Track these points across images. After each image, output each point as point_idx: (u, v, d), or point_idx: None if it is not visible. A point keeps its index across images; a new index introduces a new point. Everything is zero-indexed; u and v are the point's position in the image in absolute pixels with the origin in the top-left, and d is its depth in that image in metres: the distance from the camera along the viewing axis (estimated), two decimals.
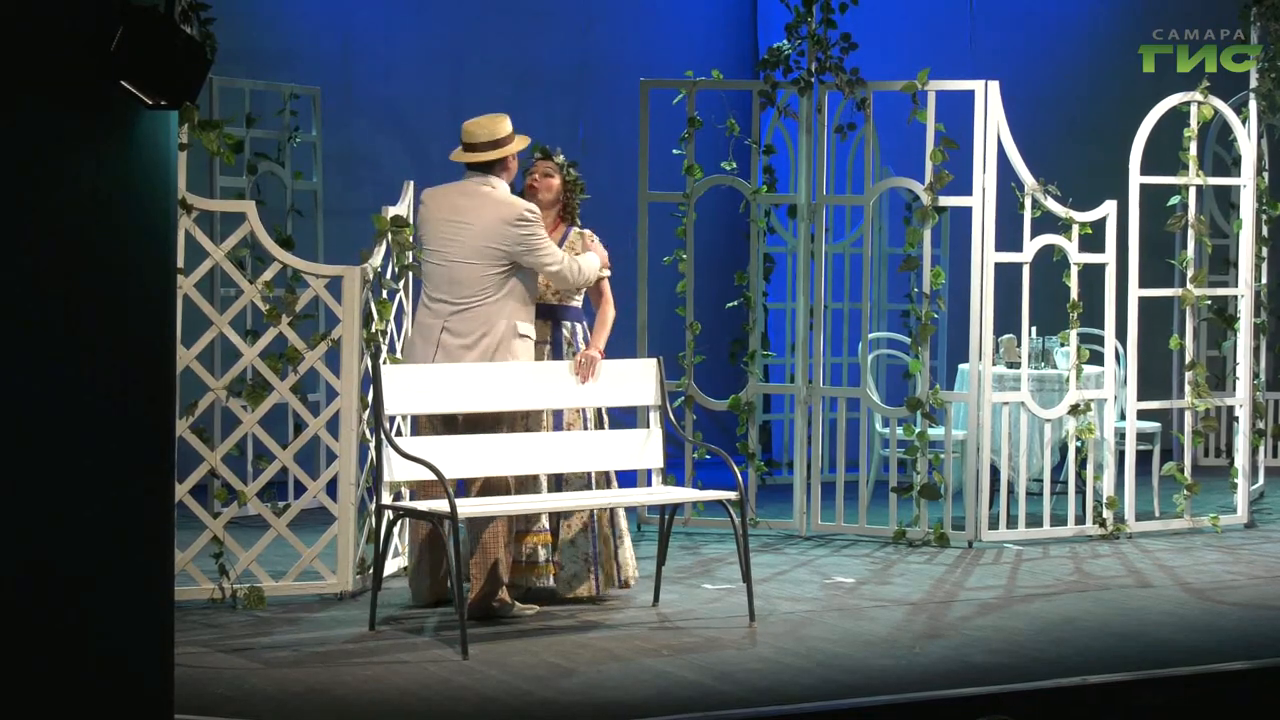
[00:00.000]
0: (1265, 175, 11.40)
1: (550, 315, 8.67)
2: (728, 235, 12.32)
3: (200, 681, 7.05)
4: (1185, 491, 10.67)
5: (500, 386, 8.34)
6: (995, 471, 10.29)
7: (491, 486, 8.36)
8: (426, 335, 8.41)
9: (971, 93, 10.11)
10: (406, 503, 8.27)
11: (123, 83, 5.39)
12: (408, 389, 8.17)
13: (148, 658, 5.57)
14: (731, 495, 8.36)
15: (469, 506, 7.94)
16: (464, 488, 8.40)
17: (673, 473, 9.18)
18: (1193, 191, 10.74)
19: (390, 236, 8.82)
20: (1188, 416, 10.85)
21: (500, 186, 8.44)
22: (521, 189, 8.70)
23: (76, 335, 5.40)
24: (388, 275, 8.88)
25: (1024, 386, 10.34)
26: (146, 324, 5.57)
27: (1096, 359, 10.67)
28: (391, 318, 8.87)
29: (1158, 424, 11.17)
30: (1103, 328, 10.51)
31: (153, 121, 5.55)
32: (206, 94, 10.47)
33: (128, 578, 5.50)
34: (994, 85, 10.08)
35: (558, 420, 8.67)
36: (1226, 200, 12.46)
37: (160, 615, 5.61)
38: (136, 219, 5.52)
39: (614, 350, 9.61)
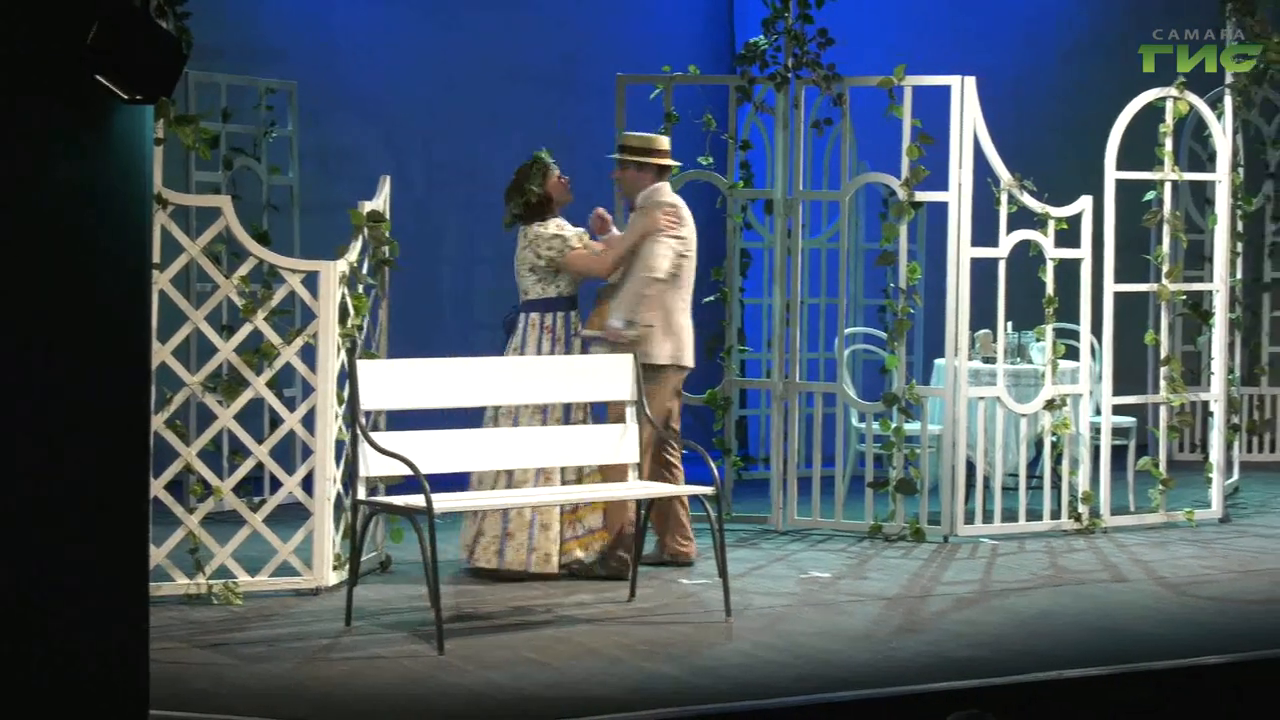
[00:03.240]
0: (1240, 171, 11.43)
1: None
2: (704, 230, 12.23)
3: (176, 677, 7.03)
4: (1160, 486, 10.70)
5: (477, 381, 8.38)
6: (971, 466, 10.30)
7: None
8: (688, 331, 9.28)
9: (948, 88, 10.12)
10: (382, 498, 8.26)
11: (98, 77, 5.38)
12: (383, 384, 8.17)
13: (123, 653, 5.56)
14: (708, 490, 8.37)
15: (445, 502, 7.94)
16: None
17: None
18: (1168, 187, 10.76)
19: (367, 231, 8.81)
20: (1163, 411, 10.87)
21: None
22: (545, 194, 9.14)
23: (51, 330, 5.39)
24: (364, 270, 8.87)
25: (1000, 382, 10.35)
26: (122, 319, 5.56)
27: (1072, 354, 10.69)
28: (368, 313, 8.87)
29: (1133, 419, 11.20)
30: (1078, 323, 10.53)
31: (128, 116, 5.54)
32: (182, 89, 10.44)
33: (103, 573, 5.49)
34: (970, 81, 10.10)
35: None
36: (1202, 196, 12.48)
37: (136, 611, 5.60)
38: (112, 214, 5.51)
39: None
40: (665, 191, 9.28)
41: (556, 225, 9.10)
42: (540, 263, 9.04)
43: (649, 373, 8.94)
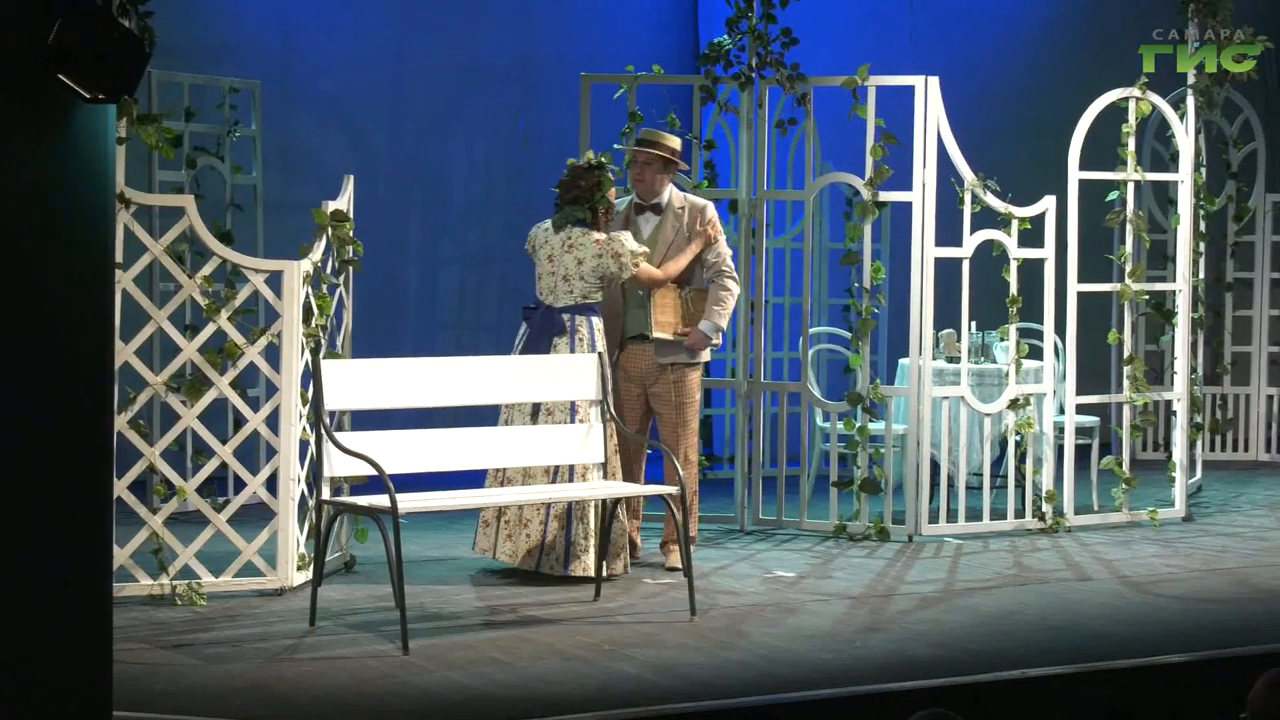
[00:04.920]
0: (1202, 171, 11.47)
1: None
2: None
3: (139, 678, 7.02)
4: (1123, 485, 10.73)
5: (441, 381, 8.38)
6: (935, 466, 10.32)
7: None
8: None
9: (912, 88, 10.14)
10: (346, 498, 8.24)
11: (60, 76, 5.36)
12: (347, 384, 8.15)
13: (86, 654, 5.53)
14: (672, 490, 8.38)
15: (409, 502, 7.92)
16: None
17: None
18: (1131, 187, 10.80)
19: (330, 231, 8.80)
20: (1126, 411, 10.91)
21: None
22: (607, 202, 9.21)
23: (13, 330, 5.36)
24: (328, 270, 8.85)
25: (964, 381, 10.38)
26: (85, 319, 5.53)
27: (1036, 354, 10.72)
28: (331, 312, 8.85)
29: (1096, 418, 11.24)
30: (1042, 322, 10.55)
31: (91, 115, 5.51)
32: (145, 88, 10.41)
33: (66, 573, 5.47)
34: (934, 80, 10.11)
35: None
36: (1164, 196, 12.52)
37: (99, 611, 5.58)
38: (74, 213, 5.49)
39: None
40: (708, 204, 9.51)
41: (629, 238, 9.12)
42: (624, 275, 9.05)
43: (695, 370, 9.36)
